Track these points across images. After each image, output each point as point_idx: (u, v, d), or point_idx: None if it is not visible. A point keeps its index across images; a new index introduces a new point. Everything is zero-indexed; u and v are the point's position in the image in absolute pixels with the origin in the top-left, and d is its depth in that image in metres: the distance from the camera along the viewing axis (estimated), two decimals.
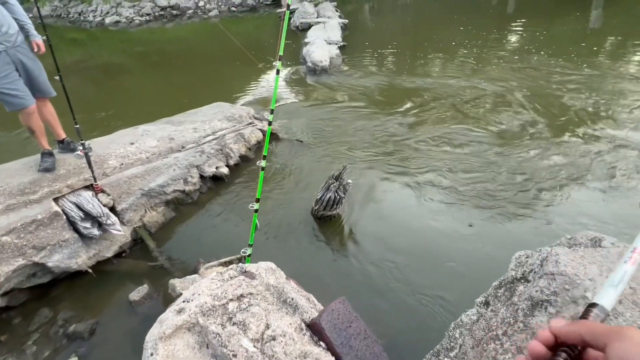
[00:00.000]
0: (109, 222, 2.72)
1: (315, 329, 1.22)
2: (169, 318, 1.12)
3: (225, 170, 3.63)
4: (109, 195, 2.86)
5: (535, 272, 1.31)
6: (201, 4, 14.49)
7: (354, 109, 5.09)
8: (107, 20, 14.21)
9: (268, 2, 14.35)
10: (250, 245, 2.04)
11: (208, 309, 1.12)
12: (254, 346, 1.08)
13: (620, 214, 2.84)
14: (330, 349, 1.20)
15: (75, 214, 2.62)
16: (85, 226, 2.63)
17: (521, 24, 8.77)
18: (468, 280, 2.37)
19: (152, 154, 3.25)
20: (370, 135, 4.33)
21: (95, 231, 2.67)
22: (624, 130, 3.99)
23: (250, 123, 4.15)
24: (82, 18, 15.39)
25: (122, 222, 2.92)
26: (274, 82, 1.76)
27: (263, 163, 1.79)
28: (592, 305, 0.40)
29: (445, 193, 3.24)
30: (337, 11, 10.83)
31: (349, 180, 2.96)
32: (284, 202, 3.32)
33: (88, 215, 2.67)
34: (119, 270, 2.80)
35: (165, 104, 5.94)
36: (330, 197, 2.85)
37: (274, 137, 4.29)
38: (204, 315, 1.11)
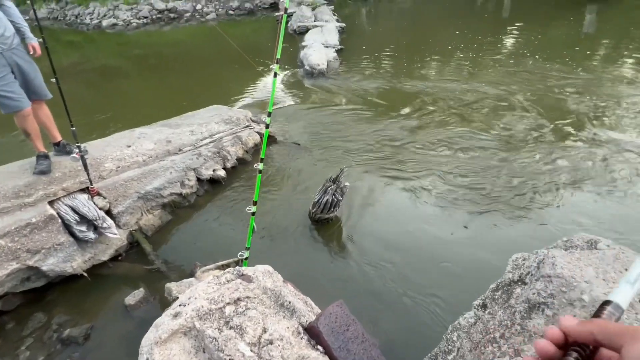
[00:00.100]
0: (104, 225, 2.70)
1: (312, 333, 1.22)
2: (165, 322, 1.11)
3: (222, 173, 3.62)
4: (105, 198, 2.84)
5: (532, 275, 1.31)
6: (199, 7, 14.52)
7: (352, 112, 5.10)
8: (104, 22, 14.19)
9: (266, 6, 14.40)
10: (247, 249, 2.03)
11: (204, 313, 1.11)
12: (251, 350, 1.07)
13: (619, 217, 2.86)
14: (327, 352, 1.19)
15: (71, 217, 2.60)
16: (81, 229, 2.61)
17: (516, 28, 8.86)
18: (465, 281, 2.37)
19: (148, 156, 3.24)
20: (367, 138, 4.34)
21: (91, 234, 2.65)
22: (622, 133, 4.03)
23: (247, 126, 4.15)
24: (79, 20, 15.36)
25: (118, 226, 2.90)
26: (271, 85, 1.77)
27: (260, 166, 1.79)
28: (606, 302, 0.37)
29: (443, 196, 3.25)
30: (334, 15, 10.89)
31: (347, 183, 2.96)
32: (282, 205, 3.31)
33: (84, 219, 2.65)
34: (114, 274, 2.78)
35: (162, 107, 5.92)
36: (327, 199, 2.84)
37: (271, 140, 4.29)
38: (201, 319, 1.10)
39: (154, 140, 3.46)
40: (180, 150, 3.46)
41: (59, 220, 2.55)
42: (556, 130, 4.19)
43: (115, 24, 14.08)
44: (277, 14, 12.51)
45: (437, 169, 3.63)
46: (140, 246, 2.92)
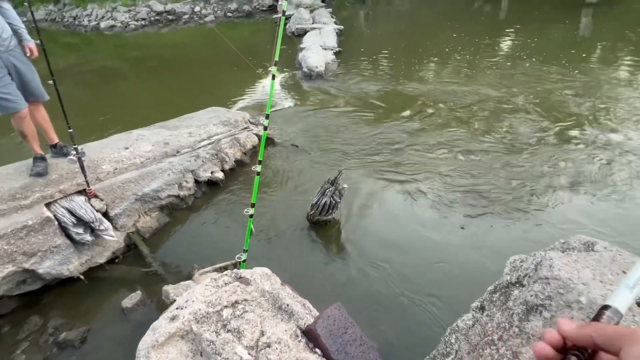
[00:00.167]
0: (101, 227, 2.68)
1: (310, 336, 1.21)
2: (162, 325, 1.10)
3: (220, 175, 3.61)
4: (102, 200, 2.83)
5: (529, 277, 1.31)
6: (197, 9, 14.53)
7: (350, 114, 5.11)
8: (102, 24, 14.18)
9: (264, 8, 14.44)
10: (245, 251, 2.03)
11: (202, 316, 1.11)
12: (249, 354, 1.07)
13: (617, 219, 2.87)
14: (326, 355, 1.18)
15: (68, 219, 2.58)
16: (78, 232, 2.60)
17: (513, 31, 8.92)
18: (463, 283, 2.37)
19: (146, 158, 3.23)
20: (366, 140, 4.35)
21: (88, 237, 2.64)
22: (622, 135, 4.05)
23: (245, 128, 4.15)
24: (76, 22, 15.33)
25: (115, 228, 2.88)
26: (269, 87, 1.77)
27: (258, 168, 1.79)
28: (605, 307, 0.38)
29: (441, 198, 3.26)
30: (332, 17, 10.93)
31: (345, 185, 2.96)
32: (280, 207, 3.31)
33: (80, 221, 2.63)
34: (111, 277, 2.76)
35: (161, 109, 5.91)
36: (325, 201, 2.84)
37: (269, 142, 4.29)
38: (198, 323, 1.09)
39: (152, 142, 3.45)
40: (178, 152, 3.45)
41: (56, 223, 2.54)
42: (555, 132, 4.21)
43: (113, 26, 14.07)
44: (275, 16, 12.54)
45: (436, 171, 3.64)
46: (137, 248, 2.91)
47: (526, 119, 4.57)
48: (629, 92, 5.08)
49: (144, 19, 14.16)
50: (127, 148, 3.29)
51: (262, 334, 1.12)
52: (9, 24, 2.48)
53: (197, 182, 3.49)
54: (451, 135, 4.31)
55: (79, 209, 2.64)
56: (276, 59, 1.62)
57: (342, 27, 9.93)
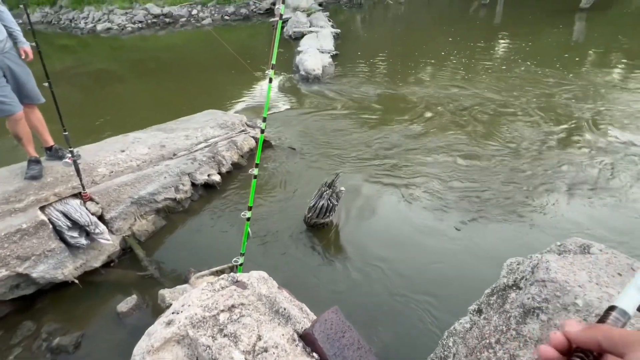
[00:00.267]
0: (97, 231, 2.66)
1: (308, 340, 1.21)
2: (157, 330, 1.09)
3: (217, 177, 3.60)
4: (97, 203, 2.81)
5: (526, 279, 1.32)
6: (194, 12, 14.54)
7: (347, 117, 5.13)
8: (99, 27, 14.13)
9: (261, 12, 14.49)
10: (242, 254, 2.02)
11: (198, 321, 1.10)
12: (246, 358, 1.06)
13: (613, 221, 2.89)
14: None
15: (62, 222, 2.56)
16: (73, 235, 2.57)
17: (507, 35, 9.02)
18: (461, 285, 2.38)
19: (142, 161, 3.21)
20: (363, 143, 4.36)
21: (83, 240, 2.61)
22: (621, 137, 4.08)
23: (242, 130, 4.14)
24: (73, 25, 15.28)
25: (110, 231, 2.86)
26: (266, 89, 1.77)
27: (255, 171, 1.78)
28: (612, 308, 0.36)
29: (439, 201, 3.27)
30: (329, 21, 10.98)
31: (342, 188, 2.96)
32: (277, 210, 3.30)
33: (75, 224, 2.61)
34: (107, 281, 2.73)
35: (158, 112, 5.90)
36: (323, 204, 2.84)
37: (266, 144, 4.29)
38: (194, 327, 1.08)
39: (148, 144, 3.43)
40: (174, 154, 3.43)
41: (50, 226, 2.51)
42: (553, 135, 4.24)
43: (109, 28, 14.03)
44: (272, 19, 12.59)
45: (433, 174, 3.65)
46: (133, 252, 2.89)
47: (524, 122, 4.61)
48: (627, 95, 5.13)
49: (140, 22, 14.14)
50: (123, 151, 3.27)
51: (259, 338, 1.11)
52: (4, 26, 2.47)
53: (193, 185, 3.47)
54: (448, 138, 4.33)
55: (74, 212, 2.62)
56: (273, 62, 1.63)
57: (339, 30, 9.99)
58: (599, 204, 3.10)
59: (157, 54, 10.49)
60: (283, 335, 1.16)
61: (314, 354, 1.19)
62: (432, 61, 7.59)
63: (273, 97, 6.03)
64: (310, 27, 10.15)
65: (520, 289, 1.33)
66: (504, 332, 1.22)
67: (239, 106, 5.97)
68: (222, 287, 1.27)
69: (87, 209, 2.72)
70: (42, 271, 2.45)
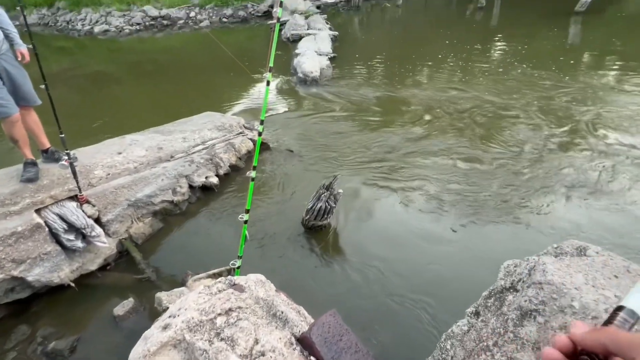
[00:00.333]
0: (93, 233, 2.64)
1: (305, 343, 1.20)
2: (154, 334, 1.08)
3: (215, 180, 3.59)
4: (94, 206, 2.79)
5: (523, 282, 1.32)
6: (192, 14, 14.55)
7: (345, 119, 5.14)
8: (96, 29, 14.10)
9: (259, 14, 14.52)
10: (239, 257, 2.01)
11: (195, 324, 1.09)
12: None
13: (610, 223, 2.91)
14: None
15: (59, 225, 2.54)
16: (69, 238, 2.55)
17: (504, 38, 9.08)
18: (458, 288, 2.38)
19: (140, 163, 3.20)
20: (361, 145, 4.37)
21: (79, 243, 2.59)
22: (619, 140, 4.10)
23: (240, 132, 4.14)
24: (70, 26, 15.24)
25: (107, 234, 2.84)
26: (264, 92, 1.77)
27: (253, 174, 1.78)
28: (619, 308, 0.35)
29: (437, 203, 3.27)
30: (327, 23, 11.02)
31: (340, 190, 2.97)
32: (275, 212, 3.30)
33: (72, 227, 2.59)
34: (103, 284, 2.71)
35: (156, 114, 5.88)
36: (321, 206, 2.84)
37: (264, 147, 4.29)
38: (191, 331, 1.08)
39: (146, 147, 3.42)
40: (172, 157, 3.43)
41: (46, 229, 2.49)
42: (553, 138, 4.25)
43: (107, 30, 14.00)
44: (270, 22, 12.62)
45: (431, 176, 3.66)
46: (130, 255, 2.87)
47: (523, 125, 4.63)
48: (625, 97, 5.16)
49: (138, 24, 14.13)
50: (120, 153, 3.26)
51: (256, 342, 1.10)
52: (1, 28, 2.46)
53: (191, 187, 3.46)
54: (446, 141, 4.35)
55: (70, 215, 2.60)
56: (270, 65, 1.63)
57: (336, 33, 10.02)
58: (597, 207, 3.11)
59: (155, 56, 10.48)
60: (280, 338, 1.16)
61: (312, 358, 1.19)
62: (430, 63, 7.63)
63: (271, 99, 6.03)
64: (308, 29, 10.18)
65: (517, 291, 1.33)
66: (501, 334, 1.22)
67: (237, 108, 5.97)
68: (220, 291, 1.27)
69: (83, 211, 2.71)
70: (37, 274, 2.43)
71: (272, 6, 14.12)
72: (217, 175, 3.66)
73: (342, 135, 4.66)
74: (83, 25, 14.83)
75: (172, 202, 3.29)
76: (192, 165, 3.47)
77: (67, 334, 2.30)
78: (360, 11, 14.70)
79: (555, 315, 1.13)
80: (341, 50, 8.73)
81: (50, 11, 16.76)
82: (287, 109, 5.68)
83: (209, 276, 2.41)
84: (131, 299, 2.42)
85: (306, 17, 11.47)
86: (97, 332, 2.33)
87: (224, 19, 14.37)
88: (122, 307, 2.36)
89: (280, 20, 1.78)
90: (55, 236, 2.54)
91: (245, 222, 1.96)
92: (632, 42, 7.79)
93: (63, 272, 2.55)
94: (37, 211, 2.56)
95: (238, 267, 2.02)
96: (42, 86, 2.49)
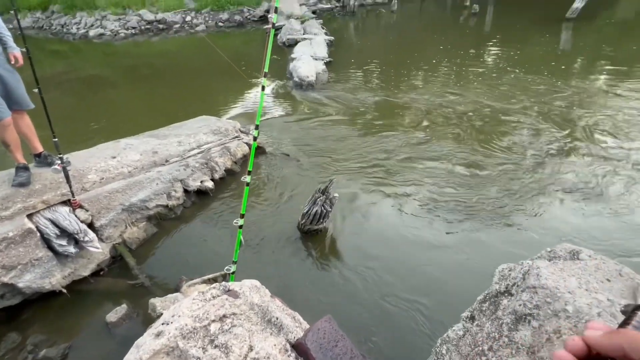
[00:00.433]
0: (86, 239, 2.61)
1: (300, 350, 1.19)
2: (146, 342, 1.07)
3: (210, 184, 3.57)
4: (87, 210, 2.76)
5: (518, 286, 1.33)
6: (188, 18, 14.56)
7: (341, 123, 5.16)
8: (91, 32, 14.04)
9: (255, 19, 14.57)
10: (234, 263, 2.00)
11: (188, 332, 1.08)
12: None
13: (604, 227, 2.94)
14: None
15: (50, 230, 2.50)
16: (61, 243, 2.52)
17: (497, 43, 9.21)
18: (455, 291, 2.38)
19: (134, 167, 3.18)
20: (357, 149, 4.38)
21: (72, 249, 2.56)
22: (614, 144, 4.14)
23: (236, 137, 4.14)
24: (65, 30, 15.15)
25: (100, 239, 2.81)
26: (259, 97, 1.77)
27: (248, 179, 1.77)
28: (638, 307, 0.33)
29: (433, 207, 3.29)
30: (323, 28, 11.09)
31: (336, 194, 2.97)
32: (270, 217, 3.28)
33: (64, 232, 2.56)
34: (96, 290, 2.68)
35: (151, 118, 5.85)
36: (316, 211, 2.83)
37: (260, 150, 4.28)
38: (184, 338, 1.06)
39: (140, 151, 3.40)
40: (167, 161, 3.41)
41: (38, 234, 2.46)
42: (551, 144, 4.27)
43: (102, 34, 13.95)
44: (266, 26, 12.67)
45: (427, 180, 3.68)
46: (123, 260, 2.84)
47: (520, 129, 4.67)
48: (619, 102, 5.23)
49: (134, 28, 14.10)
50: (114, 157, 3.23)
51: (251, 349, 1.09)
52: None
53: (186, 191, 3.44)
54: (442, 145, 4.38)
55: (62, 219, 2.57)
56: (265, 70, 1.63)
57: (332, 38, 10.09)
58: (591, 211, 3.14)
59: (151, 60, 10.46)
60: (275, 345, 1.15)
61: None
62: (425, 68, 7.70)
63: (267, 103, 6.04)
64: (304, 34, 10.24)
65: (512, 295, 1.34)
66: (496, 339, 1.23)
67: (233, 112, 5.96)
68: (214, 297, 1.25)
69: (76, 216, 2.68)
70: (28, 281, 2.39)
71: (268, 11, 14.20)
72: (212, 180, 3.64)
73: (338, 139, 4.67)
74: (78, 28, 14.76)
75: (166, 206, 3.26)
76: (187, 169, 3.45)
77: (58, 341, 2.26)
78: (356, 16, 14.83)
79: (549, 319, 1.13)
80: (337, 55, 8.78)
81: (45, 14, 16.66)
82: (283, 113, 5.69)
83: (204, 281, 2.39)
84: (124, 305, 2.39)
85: (302, 22, 11.53)
86: (89, 340, 2.29)
87: (220, 23, 14.40)
88: (115, 314, 2.33)
89: (276, 25, 1.79)
90: (47, 241, 2.51)
91: (240, 227, 1.95)
92: (622, 48, 7.94)
93: (55, 278, 2.51)
94: (29, 216, 2.52)
95: (233, 273, 2.01)
96: (35, 90, 2.47)
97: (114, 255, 2.88)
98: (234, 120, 4.61)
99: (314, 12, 13.99)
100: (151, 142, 3.62)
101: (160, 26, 14.31)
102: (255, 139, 1.78)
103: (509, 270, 1.48)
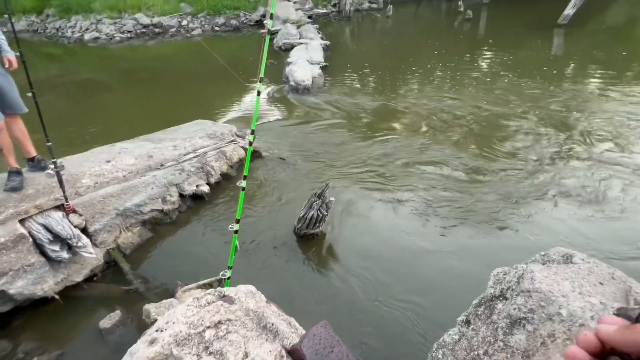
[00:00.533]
0: (79, 244, 2.58)
1: (296, 356, 1.19)
2: (139, 350, 1.05)
3: (205, 188, 3.56)
4: (81, 215, 2.73)
5: (512, 290, 1.33)
6: (184, 23, 14.58)
7: (337, 128, 5.17)
8: (87, 36, 13.99)
9: (251, 23, 14.63)
10: (229, 268, 1.99)
11: (183, 338, 1.07)
12: None
13: (600, 231, 2.96)
14: None
15: (43, 236, 2.47)
16: (54, 249, 2.49)
17: (490, 48, 9.33)
18: (452, 294, 2.38)
19: (129, 172, 3.16)
20: (353, 153, 4.40)
21: (65, 254, 2.53)
22: (612, 148, 4.18)
23: (232, 141, 4.13)
24: (59, 34, 15.09)
25: (94, 244, 2.78)
26: (255, 102, 1.78)
27: (243, 183, 1.77)
28: None
29: (429, 211, 3.30)
30: (318, 33, 11.17)
31: (332, 198, 2.97)
32: (266, 221, 3.27)
33: (57, 237, 2.53)
34: (89, 296, 2.64)
35: (147, 121, 5.83)
36: (312, 215, 2.83)
37: (256, 154, 4.28)
38: (179, 345, 1.05)
39: (135, 155, 3.38)
40: (162, 165, 3.39)
41: (30, 240, 2.42)
42: (548, 147, 4.30)
43: (97, 38, 13.91)
44: (262, 31, 12.71)
45: (423, 184, 3.69)
46: (117, 265, 2.81)
47: (515, 133, 4.72)
48: (615, 106, 5.29)
49: (129, 32, 14.08)
50: (109, 161, 3.21)
51: (246, 355, 1.09)
52: None
53: (181, 196, 3.42)
54: (435, 148, 4.40)
55: (55, 225, 2.54)
56: (261, 75, 1.64)
57: (328, 42, 10.15)
58: (585, 214, 3.18)
59: (146, 64, 10.43)
60: (270, 351, 1.14)
61: None
62: (420, 73, 7.77)
63: (263, 107, 6.05)
64: (300, 38, 10.30)
65: (506, 299, 1.35)
66: (491, 343, 1.23)
67: (229, 116, 5.96)
68: (209, 303, 1.25)
69: (69, 221, 2.65)
70: (20, 287, 2.35)
71: (264, 15, 14.26)
72: (208, 184, 3.63)
73: (334, 143, 4.68)
74: (73, 32, 14.70)
75: (161, 211, 3.24)
76: (183, 173, 3.43)
77: (50, 348, 2.22)
78: (351, 21, 14.95)
79: (543, 323, 1.14)
80: (333, 59, 8.83)
81: (40, 18, 16.59)
82: (279, 117, 5.70)
83: (199, 287, 2.37)
84: (118, 311, 2.36)
85: (298, 27, 11.60)
86: (82, 347, 2.25)
87: (216, 28, 14.44)
88: (109, 320, 2.30)
89: (272, 30, 1.80)
90: (39, 247, 2.47)
91: (236, 232, 1.94)
92: (612, 53, 8.08)
93: (47, 284, 2.47)
94: (21, 221, 2.49)
95: (228, 278, 1.99)
96: (29, 94, 2.45)
97: (107, 261, 2.85)
98: (230, 124, 4.60)
99: (309, 17, 14.09)
100: (146, 146, 3.60)
101: (156, 30, 14.31)
102: (251, 143, 1.78)
103: (504, 274, 1.49)
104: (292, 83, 6.76)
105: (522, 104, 5.56)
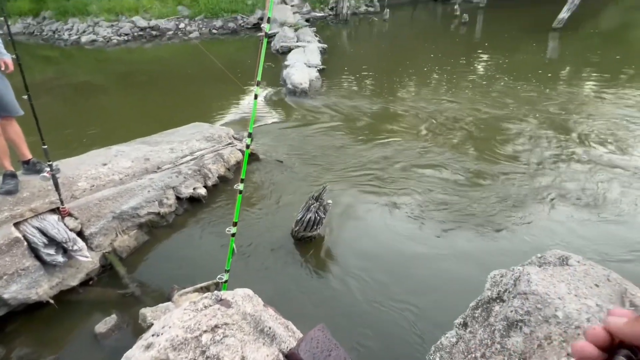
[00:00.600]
0: (75, 247, 2.56)
1: None
2: (136, 354, 1.04)
3: (202, 191, 3.55)
4: (76, 218, 2.71)
5: (509, 292, 1.34)
6: (182, 25, 14.58)
7: (333, 130, 5.18)
8: (83, 38, 13.95)
9: (249, 26, 14.66)
10: (226, 271, 1.98)
11: (179, 343, 1.06)
12: None
13: (597, 233, 2.98)
14: None
15: (38, 239, 2.45)
16: (49, 253, 2.46)
17: (486, 52, 9.41)
18: (450, 297, 2.39)
19: (125, 175, 3.14)
20: (350, 155, 4.40)
21: (60, 258, 2.50)
22: (610, 150, 4.21)
23: (229, 143, 4.13)
24: (56, 36, 15.02)
25: (90, 248, 2.76)
26: (252, 105, 1.78)
27: (241, 186, 1.77)
28: None
29: (427, 214, 3.31)
30: (316, 36, 11.21)
31: (329, 201, 2.97)
32: (263, 224, 3.27)
33: (52, 241, 2.51)
34: (85, 300, 2.62)
35: (144, 124, 5.81)
36: (310, 217, 2.83)
37: (253, 157, 4.27)
38: (175, 350, 1.04)
39: (132, 158, 3.37)
40: (159, 168, 3.38)
41: (25, 243, 2.40)
42: (546, 150, 4.32)
43: (94, 40, 13.87)
44: (259, 34, 12.73)
45: (421, 187, 3.70)
46: (113, 269, 2.79)
47: (514, 136, 4.75)
48: (611, 108, 5.33)
49: (127, 34, 14.05)
50: (105, 164, 3.19)
51: (243, 359, 1.08)
52: None
53: (178, 198, 3.41)
54: (436, 151, 4.42)
55: (51, 228, 2.52)
56: (258, 79, 1.64)
57: (325, 45, 10.19)
58: (582, 217, 3.19)
59: (144, 66, 10.42)
60: (268, 355, 1.14)
61: None
62: (416, 76, 7.82)
63: (260, 110, 6.05)
64: (297, 41, 10.33)
65: (503, 301, 1.35)
66: (488, 345, 1.23)
67: (227, 119, 5.96)
68: (205, 307, 1.24)
69: (65, 224, 2.63)
70: (14, 291, 2.33)
71: (261, 18, 14.30)
72: (205, 187, 3.62)
73: (332, 146, 4.69)
74: (70, 35, 14.65)
75: (158, 214, 3.22)
76: (180, 176, 3.42)
77: (44, 353, 2.20)
78: (349, 24, 15.02)
79: (540, 325, 1.14)
80: (330, 62, 8.86)
81: (36, 20, 16.52)
82: (276, 120, 5.70)
83: (196, 290, 2.36)
84: (114, 316, 2.34)
85: (295, 30, 11.64)
86: (77, 352, 2.23)
87: (214, 31, 14.45)
88: (105, 324, 2.28)
89: (269, 33, 1.81)
90: (34, 251, 2.45)
91: (233, 235, 1.94)
92: (606, 57, 8.17)
93: (42, 288, 2.45)
94: (16, 225, 2.47)
95: (225, 281, 1.98)
96: (25, 97, 2.44)
97: (103, 264, 2.83)
98: (228, 127, 4.60)
99: (307, 20, 14.13)
100: (143, 149, 3.59)
101: (154, 33, 14.29)
102: (248, 146, 1.78)
103: (501, 277, 1.49)
104: (290, 86, 6.78)
105: (519, 107, 5.60)
